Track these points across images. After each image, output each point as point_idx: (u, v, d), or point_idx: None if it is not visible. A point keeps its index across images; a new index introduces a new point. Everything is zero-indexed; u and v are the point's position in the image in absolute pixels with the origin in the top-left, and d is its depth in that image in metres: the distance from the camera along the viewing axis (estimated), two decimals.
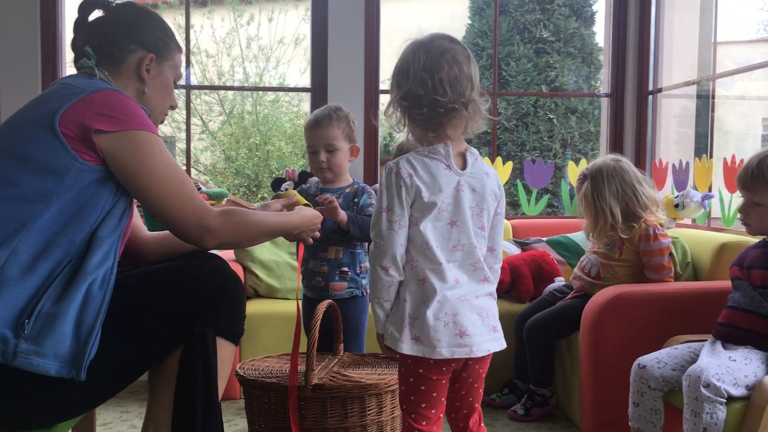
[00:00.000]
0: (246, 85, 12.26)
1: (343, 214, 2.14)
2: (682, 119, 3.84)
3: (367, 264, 2.25)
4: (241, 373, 1.95)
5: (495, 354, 1.62)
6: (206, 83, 12.27)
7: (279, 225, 1.65)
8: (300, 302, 2.00)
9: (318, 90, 3.42)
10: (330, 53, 3.35)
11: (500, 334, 1.59)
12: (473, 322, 1.54)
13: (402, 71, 1.58)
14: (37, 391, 1.32)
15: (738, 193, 2.07)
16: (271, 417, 1.86)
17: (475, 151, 1.63)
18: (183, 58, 1.67)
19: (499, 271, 1.67)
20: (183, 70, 1.67)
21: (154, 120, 1.57)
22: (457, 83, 1.54)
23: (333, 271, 2.24)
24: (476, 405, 1.63)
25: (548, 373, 2.57)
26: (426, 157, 1.55)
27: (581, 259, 2.66)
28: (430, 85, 1.53)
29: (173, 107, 1.64)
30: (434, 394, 1.55)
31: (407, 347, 1.51)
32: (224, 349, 1.52)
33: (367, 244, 2.26)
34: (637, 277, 2.48)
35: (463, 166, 1.59)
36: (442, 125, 1.57)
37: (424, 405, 1.55)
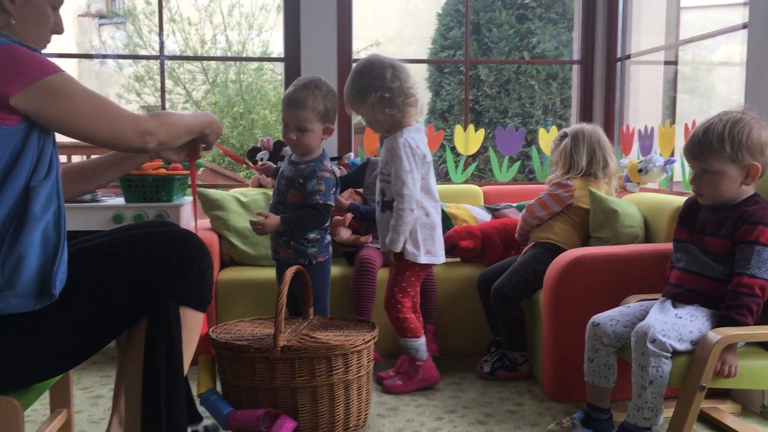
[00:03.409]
0: (229, 53, 12.14)
1: (276, 224, 2.29)
2: (653, 85, 3.90)
3: (314, 236, 2.34)
4: (214, 336, 2.03)
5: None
6: (189, 52, 12.16)
7: (197, 123, 1.64)
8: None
9: (291, 59, 3.44)
10: (303, 22, 3.35)
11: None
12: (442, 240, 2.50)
13: (375, 77, 2.33)
14: None
15: None
16: (242, 377, 1.94)
17: None
18: None
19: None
20: None
21: None
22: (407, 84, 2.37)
23: (278, 238, 2.36)
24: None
25: (519, 337, 2.60)
26: (417, 131, 2.39)
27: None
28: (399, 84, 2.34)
29: (58, 32, 1.55)
30: (418, 288, 2.52)
31: (424, 258, 2.40)
32: (190, 318, 1.54)
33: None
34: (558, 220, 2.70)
35: None
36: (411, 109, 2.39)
37: (412, 293, 2.49)
